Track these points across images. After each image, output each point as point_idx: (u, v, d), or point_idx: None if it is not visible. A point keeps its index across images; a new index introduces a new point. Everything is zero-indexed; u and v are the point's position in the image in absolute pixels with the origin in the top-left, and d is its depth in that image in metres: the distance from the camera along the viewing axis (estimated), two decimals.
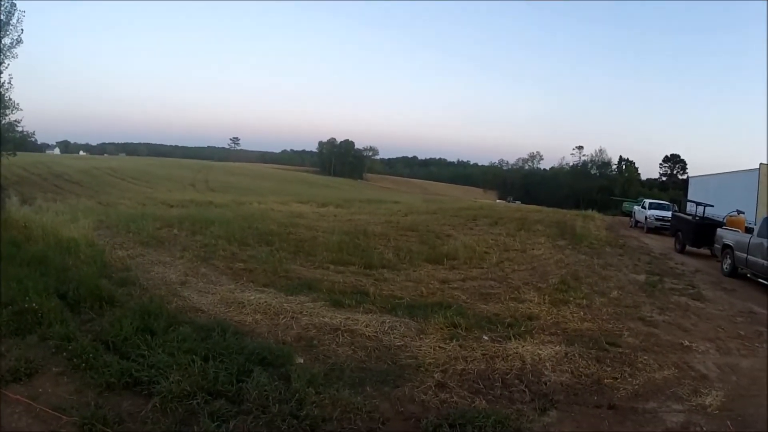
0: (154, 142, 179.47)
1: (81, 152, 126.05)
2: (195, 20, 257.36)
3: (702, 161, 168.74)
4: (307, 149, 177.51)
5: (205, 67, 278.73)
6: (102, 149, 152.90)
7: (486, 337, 6.74)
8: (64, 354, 4.93)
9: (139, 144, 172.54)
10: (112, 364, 4.67)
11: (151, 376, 4.51)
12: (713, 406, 5.36)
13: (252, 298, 7.64)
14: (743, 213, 18.31)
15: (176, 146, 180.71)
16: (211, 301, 7.38)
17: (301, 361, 5.47)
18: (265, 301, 7.48)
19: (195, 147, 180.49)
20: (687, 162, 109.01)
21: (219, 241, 11.84)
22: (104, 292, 6.73)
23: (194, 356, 4.88)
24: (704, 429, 4.88)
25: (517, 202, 70.76)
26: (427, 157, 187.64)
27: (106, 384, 4.43)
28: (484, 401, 4.97)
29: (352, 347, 6.05)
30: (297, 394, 4.45)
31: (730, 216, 17.75)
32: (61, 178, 53.89)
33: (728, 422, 5.04)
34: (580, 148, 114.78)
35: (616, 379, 5.82)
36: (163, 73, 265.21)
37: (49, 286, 6.54)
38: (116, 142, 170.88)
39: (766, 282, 11.84)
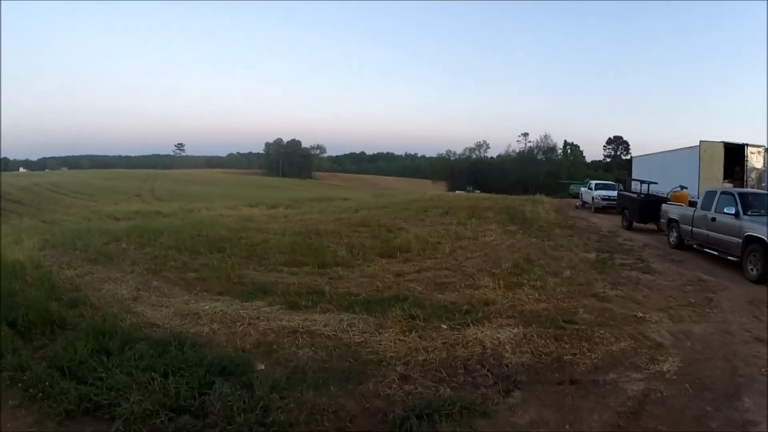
0: (96, 154, 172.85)
1: (21, 169, 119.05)
2: (132, 23, 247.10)
3: (644, 141, 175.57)
4: (254, 151, 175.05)
5: (145, 72, 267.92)
6: (42, 164, 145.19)
7: (445, 326, 6.83)
8: (20, 385, 4.73)
9: (81, 156, 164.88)
10: (69, 390, 4.51)
11: (111, 398, 4.39)
12: (671, 372, 5.64)
13: (207, 307, 7.48)
14: (686, 188, 19.19)
15: (119, 156, 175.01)
16: (165, 315, 7.18)
17: (263, 367, 5.40)
18: (221, 310, 7.35)
19: (139, 156, 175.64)
20: (630, 143, 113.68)
21: (169, 251, 11.53)
22: (55, 316, 6.48)
23: (153, 373, 4.77)
24: (664, 394, 5.13)
25: (477, 191, 71.54)
26: (375, 152, 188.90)
27: (65, 412, 4.28)
28: (448, 389, 5.05)
29: (313, 348, 6.02)
30: (261, 402, 4.42)
31: (674, 192, 18.56)
32: (2, 198, 51.17)
33: (687, 386, 5.32)
34: (526, 134, 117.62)
35: (575, 354, 6.03)
36: (101, 81, 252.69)
37: None
38: (57, 155, 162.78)
39: (711, 251, 12.52)
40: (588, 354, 6.07)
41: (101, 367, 4.97)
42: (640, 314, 7.77)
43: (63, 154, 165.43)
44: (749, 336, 7.07)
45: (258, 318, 7.06)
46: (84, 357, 5.17)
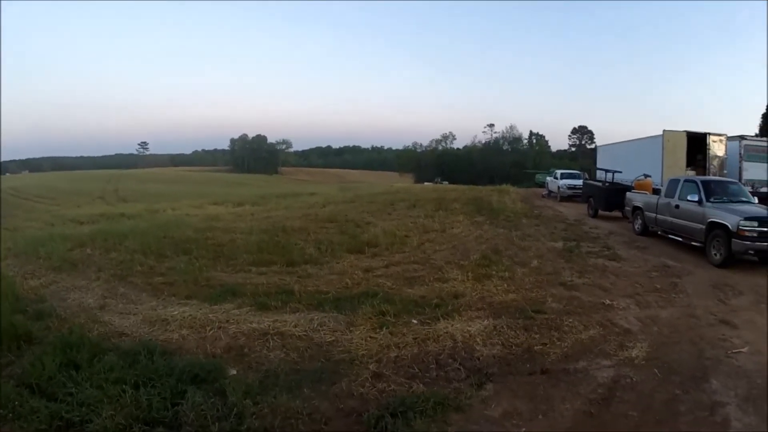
0: (58, 155, 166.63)
1: None
2: (91, 17, 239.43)
3: (608, 131, 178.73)
4: (219, 147, 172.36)
5: (106, 70, 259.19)
6: (3, 169, 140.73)
7: (415, 321, 6.84)
8: None
9: (42, 159, 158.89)
10: (40, 409, 4.36)
11: (83, 415, 4.27)
12: (639, 358, 5.80)
13: (176, 313, 7.33)
14: (650, 176, 19.59)
15: (81, 157, 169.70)
16: (133, 323, 7.01)
17: (234, 372, 5.33)
18: (190, 315, 7.21)
19: (102, 156, 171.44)
20: (594, 132, 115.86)
21: (135, 255, 11.24)
22: (20, 330, 6.23)
23: (124, 385, 4.66)
24: (634, 379, 5.25)
25: (445, 182, 71.76)
26: (342, 146, 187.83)
27: None
28: (421, 385, 5.07)
29: (284, 350, 5.97)
30: (235, 408, 4.38)
31: (638, 180, 18.93)
32: None
33: (655, 370, 5.46)
34: (491, 125, 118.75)
35: (545, 344, 6.12)
36: (59, 78, 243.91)
37: None
38: (17, 159, 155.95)
39: (675, 237, 12.86)
40: (558, 343, 6.17)
41: (71, 381, 4.82)
42: (608, 301, 7.94)
43: (23, 157, 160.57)
44: (714, 319, 7.30)
45: (227, 321, 6.95)
46: (53, 372, 5.01)
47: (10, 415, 4.37)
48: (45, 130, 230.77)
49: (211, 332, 6.55)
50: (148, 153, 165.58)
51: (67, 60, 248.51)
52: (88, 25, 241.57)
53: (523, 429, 4.37)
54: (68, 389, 4.69)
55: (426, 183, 69.82)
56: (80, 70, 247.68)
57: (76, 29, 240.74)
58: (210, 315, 7.21)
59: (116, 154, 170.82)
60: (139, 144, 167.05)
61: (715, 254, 10.99)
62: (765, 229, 10.29)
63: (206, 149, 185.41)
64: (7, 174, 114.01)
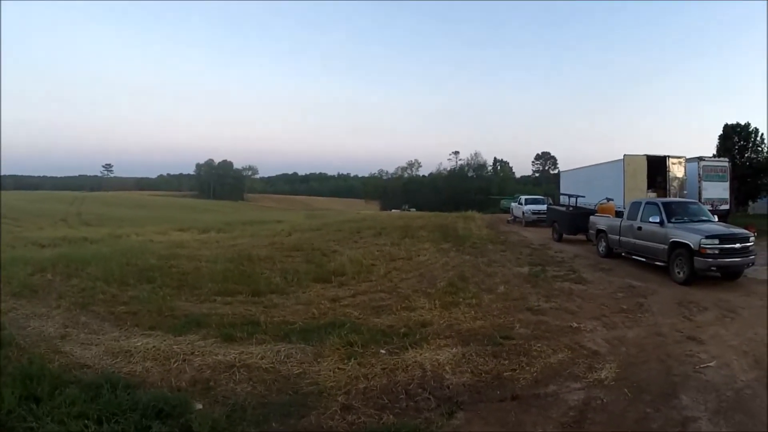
0: (19, 174, 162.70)
1: None
2: (58, 34, 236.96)
3: (570, 156, 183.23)
4: (185, 172, 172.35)
5: (71, 88, 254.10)
6: None
7: (383, 351, 6.77)
8: None
9: (4, 177, 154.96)
10: None
11: None
12: (609, 378, 5.86)
13: (139, 344, 7.09)
14: (612, 200, 20.16)
15: (44, 177, 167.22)
16: (95, 354, 6.75)
17: (200, 406, 5.15)
18: (154, 346, 6.99)
19: (65, 177, 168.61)
20: (557, 158, 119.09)
21: (97, 283, 10.91)
22: None
23: (87, 421, 4.49)
24: (604, 401, 5.29)
25: (413, 209, 72.06)
26: (308, 173, 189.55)
27: None
28: (391, 416, 5.00)
29: (251, 383, 5.82)
30: None
31: (601, 204, 19.42)
32: None
33: (625, 390, 5.52)
34: (456, 153, 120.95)
35: (515, 370, 6.13)
36: (23, 95, 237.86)
37: None
38: None
39: (639, 258, 13.19)
40: (527, 368, 6.18)
41: (31, 416, 4.62)
42: (575, 324, 8.02)
43: None
44: (681, 336, 7.48)
45: (192, 353, 6.77)
46: (12, 405, 4.79)
47: None
48: (6, 149, 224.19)
49: (175, 364, 6.36)
50: (112, 175, 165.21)
51: (29, 78, 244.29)
52: (54, 43, 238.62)
53: None
54: (29, 424, 4.51)
55: (393, 210, 70.04)
56: (43, 87, 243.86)
57: (40, 48, 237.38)
58: (174, 346, 7.00)
59: (80, 176, 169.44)
60: (103, 166, 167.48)
61: (679, 272, 11.30)
62: (725, 246, 10.71)
63: (171, 173, 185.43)
64: None
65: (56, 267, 12.74)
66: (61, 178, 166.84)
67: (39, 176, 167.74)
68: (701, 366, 6.25)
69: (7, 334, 7.36)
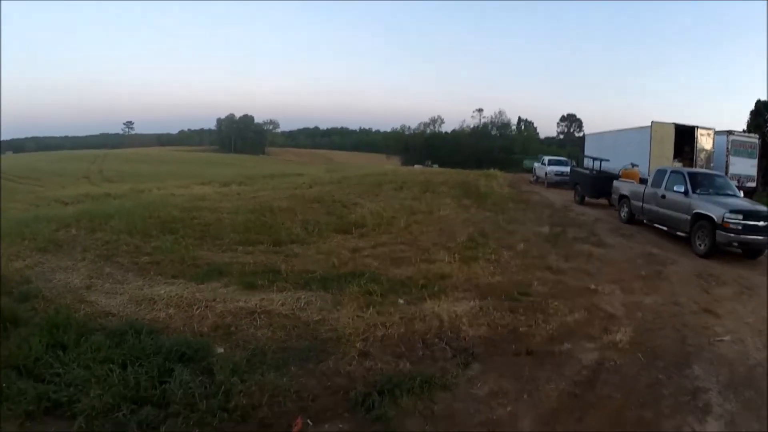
0: (41, 135, 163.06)
1: None
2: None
3: (596, 119, 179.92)
4: (206, 127, 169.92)
5: (91, 48, 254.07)
6: None
7: (402, 301, 6.87)
8: None
9: (26, 139, 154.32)
10: (27, 390, 4.30)
11: (71, 395, 4.22)
12: (623, 342, 5.89)
13: (162, 292, 7.24)
14: (637, 166, 19.78)
15: (66, 137, 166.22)
16: (120, 302, 6.91)
17: (222, 350, 5.31)
18: (176, 294, 7.13)
19: (86, 136, 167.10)
20: (583, 121, 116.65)
21: (120, 235, 11.06)
22: (6, 312, 6.10)
23: (111, 365, 4.62)
24: (618, 363, 5.34)
25: (435, 165, 71.62)
26: (329, 127, 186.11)
27: (25, 413, 4.08)
28: (408, 364, 5.12)
29: (271, 329, 5.94)
30: (223, 386, 4.37)
31: (625, 169, 19.10)
32: None
33: (639, 355, 5.57)
34: (480, 110, 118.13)
35: (531, 326, 6.20)
36: (44, 58, 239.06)
37: None
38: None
39: (661, 227, 13.02)
40: (543, 325, 6.25)
41: (58, 362, 4.76)
42: (593, 286, 8.05)
43: (6, 138, 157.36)
44: (697, 307, 7.44)
45: (214, 300, 6.90)
46: (39, 353, 4.93)
47: None
48: (28, 110, 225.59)
49: (197, 311, 6.50)
50: (133, 132, 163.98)
51: (50, 39, 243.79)
52: (72, 4, 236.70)
53: (509, 408, 4.43)
54: (55, 370, 4.64)
55: (416, 165, 69.60)
56: (63, 48, 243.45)
57: (59, 8, 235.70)
58: (197, 294, 7.15)
59: (101, 134, 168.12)
60: (124, 123, 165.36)
61: (700, 245, 11.16)
62: (749, 222, 10.47)
63: (192, 129, 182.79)
64: None
65: (80, 222, 12.88)
66: (82, 137, 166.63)
67: (60, 137, 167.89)
68: (716, 339, 6.25)
69: (33, 287, 7.50)
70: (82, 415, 3.99)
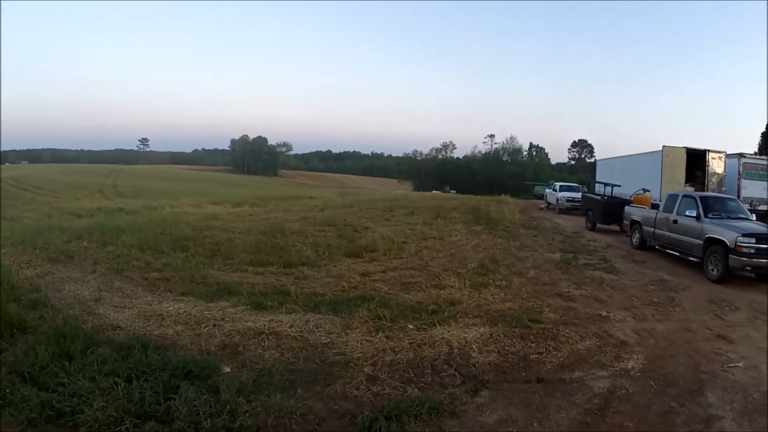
0: (58, 147, 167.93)
1: (6, 163, 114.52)
2: (96, 16, 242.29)
3: (607, 145, 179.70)
4: (220, 147, 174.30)
5: (110, 66, 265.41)
6: (3, 158, 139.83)
7: (411, 326, 6.82)
8: None
9: (43, 150, 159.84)
10: (31, 397, 4.35)
11: (74, 405, 4.25)
12: (635, 369, 5.79)
13: (171, 308, 7.30)
14: (649, 191, 19.68)
15: (82, 150, 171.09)
16: (128, 317, 6.97)
17: (228, 370, 5.31)
18: (185, 311, 7.17)
19: (102, 150, 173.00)
20: (594, 146, 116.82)
21: (132, 250, 11.20)
22: (14, 318, 6.21)
23: (117, 378, 4.64)
24: (630, 391, 5.24)
25: (453, 191, 71.76)
26: (342, 151, 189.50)
27: (27, 421, 4.12)
28: (416, 389, 5.06)
29: (279, 350, 5.94)
30: (228, 406, 4.37)
31: (637, 194, 19.00)
32: None
33: (651, 382, 5.45)
34: (492, 136, 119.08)
35: (542, 353, 6.11)
36: (65, 73, 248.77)
37: None
38: (17, 149, 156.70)
39: (673, 252, 12.86)
40: (554, 352, 6.16)
41: (63, 372, 4.81)
42: (605, 313, 7.93)
43: (23, 148, 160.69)
44: (710, 333, 7.31)
45: (223, 319, 6.92)
46: (45, 362, 4.99)
47: (1, 402, 4.36)
48: (46, 122, 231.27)
49: (206, 329, 6.52)
50: (148, 149, 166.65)
51: (71, 54, 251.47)
52: (93, 20, 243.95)
53: None
54: (60, 379, 4.68)
55: (434, 191, 69.70)
56: (84, 64, 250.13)
57: (81, 24, 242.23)
58: (205, 312, 7.17)
59: (116, 149, 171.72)
60: (139, 140, 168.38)
61: (713, 270, 11.00)
62: (763, 246, 10.30)
63: (206, 148, 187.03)
64: (6, 164, 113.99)
65: (92, 235, 13.08)
66: (98, 151, 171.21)
67: (76, 150, 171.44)
68: (729, 365, 6.12)
69: (42, 296, 7.64)
70: (85, 426, 4.02)
